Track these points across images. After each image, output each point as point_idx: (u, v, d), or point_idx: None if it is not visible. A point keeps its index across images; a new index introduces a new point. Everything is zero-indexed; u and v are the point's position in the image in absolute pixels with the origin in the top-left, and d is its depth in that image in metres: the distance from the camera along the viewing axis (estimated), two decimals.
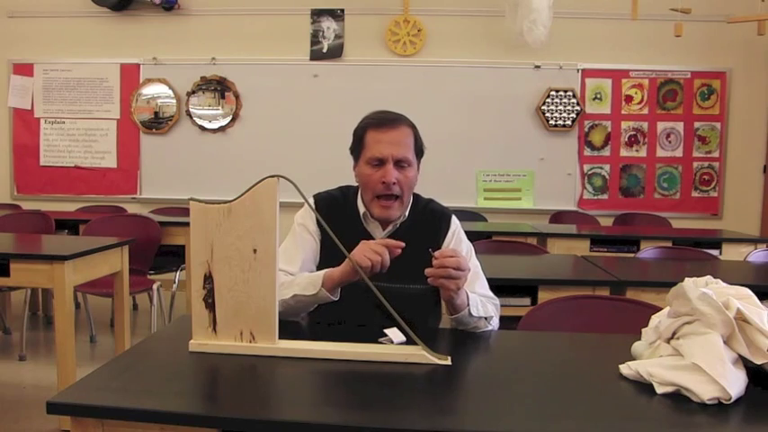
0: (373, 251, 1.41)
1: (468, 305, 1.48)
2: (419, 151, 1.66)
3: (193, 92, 5.27)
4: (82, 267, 2.61)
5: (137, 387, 1.11)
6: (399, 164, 1.60)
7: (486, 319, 1.53)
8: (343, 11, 5.18)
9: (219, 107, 5.26)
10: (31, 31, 5.37)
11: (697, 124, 5.16)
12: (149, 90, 5.31)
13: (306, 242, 1.67)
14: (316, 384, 1.22)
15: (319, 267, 1.66)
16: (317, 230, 1.67)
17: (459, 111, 5.12)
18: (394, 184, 1.58)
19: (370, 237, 1.66)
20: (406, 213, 1.67)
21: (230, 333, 1.29)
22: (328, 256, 1.64)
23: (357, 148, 1.66)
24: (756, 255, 3.10)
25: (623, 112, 5.17)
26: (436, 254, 1.41)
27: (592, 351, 1.46)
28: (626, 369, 1.18)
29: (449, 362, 1.25)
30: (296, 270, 1.63)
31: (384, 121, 1.62)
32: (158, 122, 5.31)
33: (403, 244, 1.43)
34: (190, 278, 1.35)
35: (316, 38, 5.21)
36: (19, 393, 3.04)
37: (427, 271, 1.40)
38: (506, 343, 1.53)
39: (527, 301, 2.27)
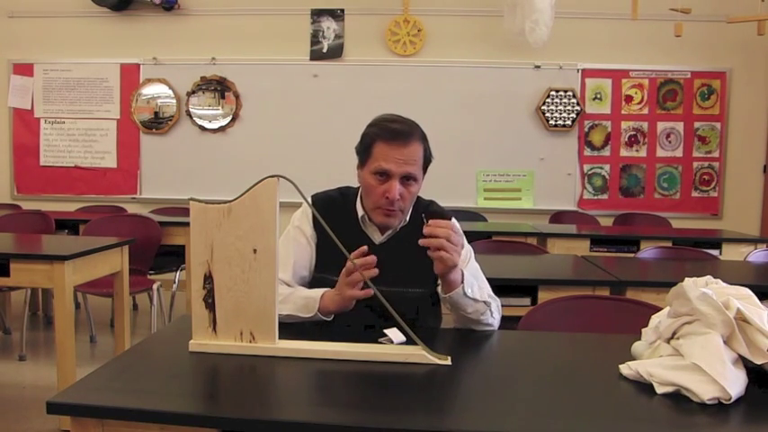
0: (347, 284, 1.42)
1: (463, 283, 1.47)
2: (426, 163, 1.63)
3: (193, 92, 5.27)
4: (82, 267, 2.61)
5: (137, 387, 1.11)
6: (405, 179, 1.57)
7: (484, 303, 1.52)
8: (343, 11, 5.18)
9: (219, 107, 5.26)
10: (31, 31, 5.37)
11: (697, 124, 5.16)
12: (149, 90, 5.31)
13: (300, 246, 1.65)
14: (316, 384, 1.22)
15: (315, 270, 1.65)
16: (312, 234, 1.66)
17: (460, 111, 5.12)
18: (397, 199, 1.56)
19: (368, 240, 1.64)
20: (407, 218, 1.66)
21: (230, 333, 1.29)
22: (324, 258, 1.63)
23: (364, 154, 1.62)
24: (756, 255, 3.10)
25: (623, 112, 5.17)
26: (429, 222, 1.41)
27: (592, 351, 1.46)
28: (626, 369, 1.18)
29: (449, 362, 1.25)
30: (288, 277, 1.61)
31: (396, 134, 1.56)
32: (158, 122, 5.31)
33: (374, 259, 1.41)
34: (190, 278, 1.34)
35: (316, 38, 5.21)
36: (19, 393, 3.05)
37: (422, 241, 1.40)
38: (506, 343, 1.53)
39: (527, 301, 2.27)
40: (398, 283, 1.57)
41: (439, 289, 1.57)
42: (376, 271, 1.38)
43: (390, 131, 1.57)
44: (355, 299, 1.44)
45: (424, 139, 1.62)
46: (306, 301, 1.49)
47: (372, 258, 1.39)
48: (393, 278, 1.56)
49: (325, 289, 1.50)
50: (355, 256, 1.39)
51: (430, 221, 1.41)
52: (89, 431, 1.05)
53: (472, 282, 1.51)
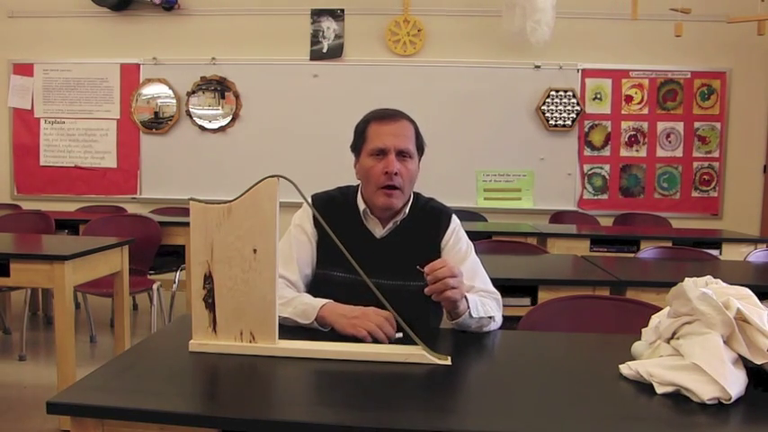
0: (373, 322, 1.38)
1: (469, 308, 1.47)
2: (420, 147, 1.68)
3: (193, 92, 5.27)
4: (82, 267, 2.61)
5: (137, 387, 1.11)
6: (401, 155, 1.61)
7: (489, 318, 1.52)
8: (343, 11, 5.18)
9: (219, 107, 5.26)
10: (31, 31, 5.37)
11: (697, 124, 5.16)
12: (149, 90, 5.31)
13: (301, 244, 1.66)
14: (316, 384, 1.22)
15: (317, 267, 1.66)
16: (313, 232, 1.67)
17: (460, 111, 5.12)
18: (396, 174, 1.59)
19: (369, 234, 1.66)
20: (407, 210, 1.67)
21: (230, 333, 1.29)
22: (326, 255, 1.64)
23: (358, 142, 1.67)
24: (756, 255, 3.10)
25: (623, 112, 5.17)
26: (426, 269, 1.39)
27: (592, 351, 1.46)
28: (626, 369, 1.18)
29: (449, 362, 1.25)
30: (295, 277, 1.62)
31: (385, 114, 1.65)
32: (158, 122, 5.31)
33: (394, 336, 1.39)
34: (190, 278, 1.35)
35: (316, 38, 5.21)
36: (19, 393, 3.04)
37: (427, 290, 1.39)
38: (506, 343, 1.52)
39: (527, 301, 2.27)
40: (399, 277, 1.59)
41: (445, 314, 1.57)
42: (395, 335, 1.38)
43: (380, 112, 1.67)
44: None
45: (413, 122, 1.69)
46: (305, 307, 1.48)
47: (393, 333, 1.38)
48: (393, 272, 1.57)
49: (328, 301, 1.49)
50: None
51: (425, 268, 1.38)
52: (89, 431, 1.05)
53: (476, 302, 1.50)
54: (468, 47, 5.14)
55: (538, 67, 5.12)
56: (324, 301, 1.49)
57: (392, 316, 1.37)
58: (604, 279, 2.35)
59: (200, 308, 1.30)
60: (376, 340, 1.37)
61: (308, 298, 1.53)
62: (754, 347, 1.09)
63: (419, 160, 1.68)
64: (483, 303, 1.54)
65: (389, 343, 1.36)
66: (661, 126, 5.17)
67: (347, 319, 1.41)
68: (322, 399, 1.16)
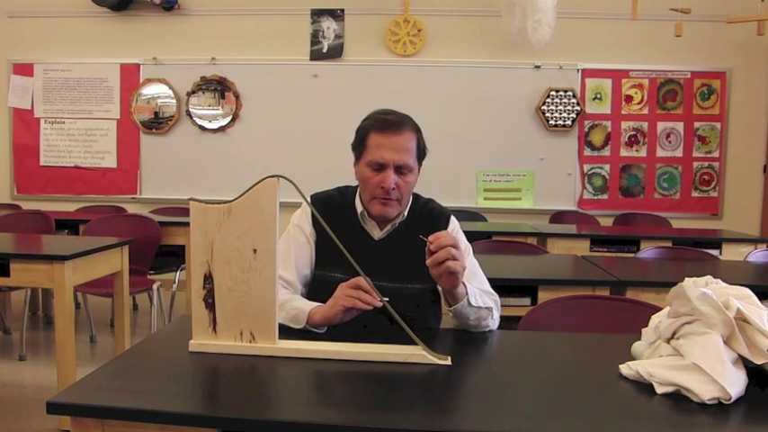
0: (347, 296, 1.38)
1: (467, 294, 1.47)
2: (421, 155, 1.64)
3: (193, 92, 5.27)
4: (82, 267, 2.61)
5: (137, 387, 1.11)
6: (400, 169, 1.58)
7: (487, 309, 1.51)
8: (343, 11, 5.18)
9: (219, 107, 5.26)
10: (31, 31, 5.37)
11: (697, 124, 5.16)
12: (149, 90, 5.31)
13: (300, 245, 1.65)
14: (316, 384, 1.22)
15: (316, 268, 1.66)
16: (312, 232, 1.66)
17: (459, 111, 5.13)
18: (393, 189, 1.57)
19: (367, 236, 1.65)
20: (405, 213, 1.66)
21: (230, 333, 1.29)
22: (324, 256, 1.63)
23: (359, 147, 1.64)
24: (756, 255, 3.10)
25: (623, 112, 5.17)
26: (430, 238, 1.38)
27: (592, 351, 1.46)
28: (626, 369, 1.18)
29: (449, 362, 1.25)
30: (292, 277, 1.61)
31: (388, 124, 1.59)
32: (158, 122, 5.31)
33: (377, 299, 1.38)
34: (190, 278, 1.35)
35: (316, 38, 5.21)
36: (19, 393, 3.04)
37: (429, 261, 1.37)
38: (506, 343, 1.53)
39: (527, 301, 2.27)
40: (398, 279, 1.58)
41: (443, 307, 1.56)
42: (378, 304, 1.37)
43: (382, 122, 1.60)
44: (346, 310, 1.40)
45: (417, 130, 1.64)
46: (296, 312, 1.46)
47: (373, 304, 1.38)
48: (392, 274, 1.57)
49: (317, 304, 1.47)
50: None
51: (429, 237, 1.38)
52: (89, 431, 1.05)
53: (475, 291, 1.51)
54: (468, 47, 5.14)
55: (538, 67, 5.12)
56: (313, 304, 1.47)
57: (363, 279, 1.36)
58: (604, 279, 2.35)
59: (200, 308, 1.30)
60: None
61: (299, 302, 1.51)
62: (754, 347, 1.09)
63: (419, 168, 1.65)
64: (481, 295, 1.53)
65: (380, 313, 1.36)
66: (661, 126, 5.17)
67: (333, 301, 1.41)
68: (322, 399, 1.16)
